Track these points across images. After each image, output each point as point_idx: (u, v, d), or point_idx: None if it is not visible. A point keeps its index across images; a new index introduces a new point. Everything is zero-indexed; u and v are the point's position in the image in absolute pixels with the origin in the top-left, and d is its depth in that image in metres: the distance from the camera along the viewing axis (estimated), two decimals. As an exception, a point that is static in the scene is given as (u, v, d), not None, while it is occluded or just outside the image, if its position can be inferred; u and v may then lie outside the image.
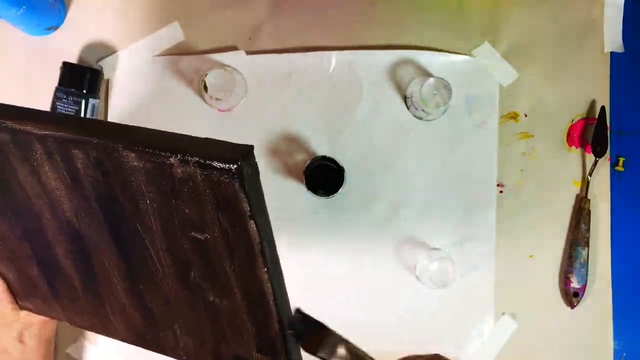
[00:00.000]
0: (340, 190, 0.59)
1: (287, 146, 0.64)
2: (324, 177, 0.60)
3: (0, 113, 0.39)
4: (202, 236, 0.36)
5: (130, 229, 0.39)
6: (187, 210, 0.35)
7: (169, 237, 0.38)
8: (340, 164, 0.59)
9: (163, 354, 0.47)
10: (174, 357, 0.47)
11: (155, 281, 0.42)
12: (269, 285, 0.37)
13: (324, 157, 0.61)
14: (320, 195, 0.60)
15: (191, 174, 0.33)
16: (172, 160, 0.33)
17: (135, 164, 0.34)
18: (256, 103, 0.64)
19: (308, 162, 0.60)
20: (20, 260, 0.48)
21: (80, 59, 0.66)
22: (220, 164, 0.31)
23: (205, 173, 0.32)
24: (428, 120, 0.64)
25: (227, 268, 0.37)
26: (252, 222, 0.33)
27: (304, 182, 0.59)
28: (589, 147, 0.64)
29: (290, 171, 0.64)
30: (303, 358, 0.43)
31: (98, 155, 0.36)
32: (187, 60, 0.64)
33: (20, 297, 0.52)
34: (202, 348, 0.45)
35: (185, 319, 0.43)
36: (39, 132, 0.37)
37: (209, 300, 0.40)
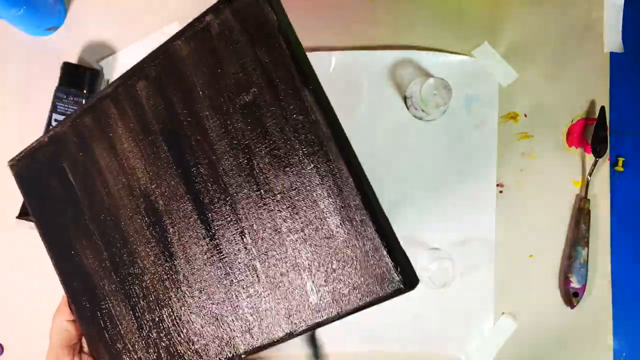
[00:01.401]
0: None
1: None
2: None
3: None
4: (250, 94, 0.38)
5: (194, 150, 0.40)
6: (231, 71, 0.38)
7: (224, 128, 0.39)
8: None
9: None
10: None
11: (228, 205, 0.40)
12: (322, 117, 0.37)
13: None
14: None
15: (224, 20, 0.38)
16: (208, 18, 0.38)
17: (184, 49, 0.39)
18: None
19: None
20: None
21: (81, 59, 0.66)
22: None
23: (233, 8, 0.37)
24: (428, 121, 0.64)
25: (280, 119, 0.37)
26: (282, 39, 0.37)
27: None
28: (589, 147, 0.64)
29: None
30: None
31: (156, 71, 0.41)
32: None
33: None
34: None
35: (259, 231, 0.40)
36: (109, 89, 0.43)
37: (278, 187, 0.38)
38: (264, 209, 0.39)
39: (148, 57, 0.41)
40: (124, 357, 0.46)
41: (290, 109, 0.37)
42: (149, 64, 0.41)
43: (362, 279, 0.38)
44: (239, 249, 0.40)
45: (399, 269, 0.37)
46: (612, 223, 0.64)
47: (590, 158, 0.65)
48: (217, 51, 0.39)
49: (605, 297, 0.64)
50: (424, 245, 0.63)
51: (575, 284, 0.63)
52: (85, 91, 0.63)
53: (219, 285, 0.42)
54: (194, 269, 0.42)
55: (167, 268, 0.43)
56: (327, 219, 0.38)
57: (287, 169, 0.38)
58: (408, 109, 0.64)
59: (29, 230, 0.62)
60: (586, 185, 0.64)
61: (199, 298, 0.42)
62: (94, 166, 0.45)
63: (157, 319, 0.44)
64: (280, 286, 0.40)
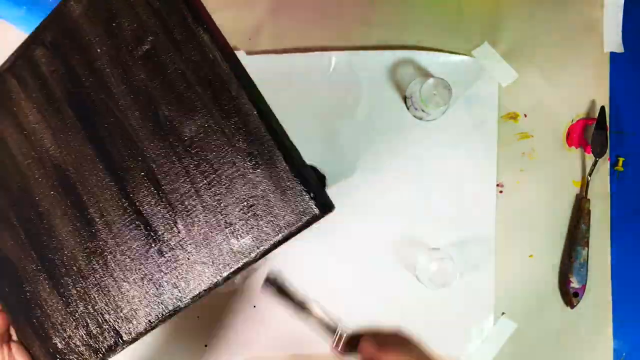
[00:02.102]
0: None
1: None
2: None
3: None
4: (147, 43, 0.38)
5: (99, 110, 0.40)
6: (126, 23, 0.38)
7: (126, 82, 0.39)
8: (321, 171, 0.60)
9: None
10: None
11: (139, 160, 0.40)
12: (224, 64, 0.37)
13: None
14: None
15: None
16: None
17: (77, 9, 0.39)
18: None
19: None
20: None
21: (81, 59, 0.66)
22: None
23: None
24: (428, 121, 0.64)
25: (179, 62, 0.37)
26: None
27: None
28: (589, 147, 0.64)
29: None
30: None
31: (52, 35, 0.41)
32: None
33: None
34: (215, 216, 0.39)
35: (178, 189, 0.40)
36: (7, 64, 0.43)
37: (187, 136, 0.38)
38: (175, 158, 0.39)
39: (43, 23, 0.41)
40: (53, 338, 0.45)
41: (188, 51, 0.37)
42: (45, 30, 0.41)
43: (279, 212, 0.37)
44: (155, 203, 0.40)
45: (311, 195, 0.37)
46: (612, 223, 0.64)
47: (590, 158, 0.65)
48: (110, 4, 0.38)
49: (605, 297, 0.64)
50: (424, 245, 0.63)
51: (575, 284, 0.63)
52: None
53: (140, 245, 0.41)
54: (114, 232, 0.42)
55: (86, 236, 0.43)
56: (238, 158, 0.37)
57: (192, 113, 0.38)
58: (408, 109, 0.64)
59: None
60: (586, 185, 0.64)
61: (123, 262, 0.42)
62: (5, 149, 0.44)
63: (82, 292, 0.43)
64: (200, 235, 0.39)
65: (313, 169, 0.60)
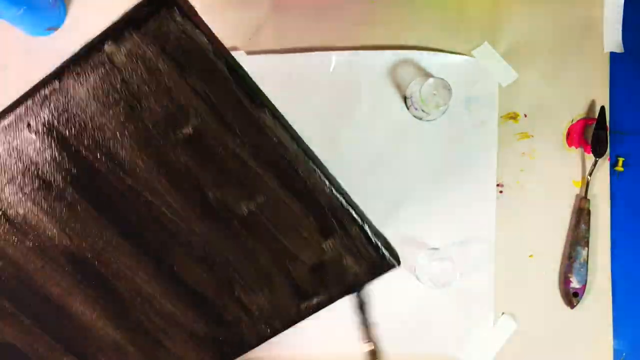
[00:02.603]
0: None
1: (287, 146, 0.64)
2: None
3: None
4: (189, 126, 0.34)
5: (124, 195, 0.36)
6: (157, 108, 0.33)
7: (163, 165, 0.35)
8: None
9: (243, 347, 0.40)
10: (255, 337, 0.40)
11: (182, 242, 0.37)
12: (284, 134, 0.34)
13: None
14: None
15: (132, 48, 0.31)
16: (106, 47, 0.32)
17: (81, 89, 0.33)
18: (256, 103, 0.64)
19: None
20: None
21: (81, 59, 0.66)
22: (146, 8, 0.30)
23: (142, 33, 0.31)
24: (428, 121, 0.64)
25: (233, 145, 0.34)
26: (215, 57, 0.31)
27: None
28: (589, 147, 0.64)
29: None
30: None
31: (47, 121, 0.34)
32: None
33: None
34: (274, 292, 0.39)
35: (237, 267, 0.37)
36: None
37: (244, 214, 0.36)
38: (230, 234, 0.37)
39: (32, 102, 0.34)
40: None
41: (245, 134, 0.34)
42: (36, 109, 0.34)
43: (350, 273, 0.41)
44: (207, 277, 0.38)
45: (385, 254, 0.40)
46: (612, 223, 0.64)
47: (590, 158, 0.65)
48: (128, 85, 0.33)
49: (605, 297, 0.64)
50: (424, 245, 0.63)
51: (575, 284, 0.63)
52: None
53: (194, 319, 0.39)
54: (162, 313, 0.39)
55: (119, 318, 0.39)
56: (308, 231, 0.37)
57: (251, 193, 0.35)
58: (408, 109, 0.64)
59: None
60: (586, 185, 0.64)
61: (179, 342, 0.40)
62: None
63: None
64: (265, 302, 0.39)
65: None
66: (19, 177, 0.36)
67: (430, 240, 0.64)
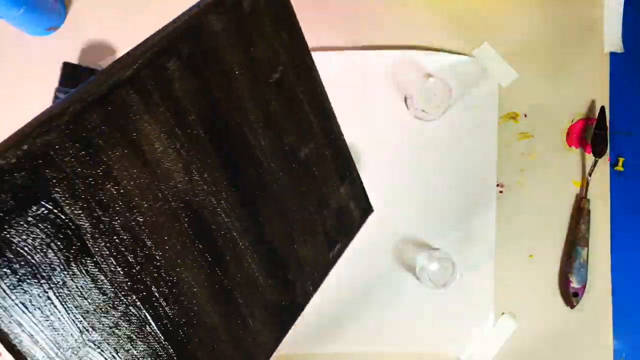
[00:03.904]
0: None
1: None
2: None
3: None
4: (278, 72, 0.39)
5: (234, 135, 0.37)
6: (262, 50, 0.38)
7: (260, 104, 0.38)
8: None
9: (297, 311, 0.42)
10: (303, 297, 0.42)
11: (266, 185, 0.39)
12: (327, 98, 0.41)
13: None
14: None
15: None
16: None
17: (217, 24, 0.35)
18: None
19: None
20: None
21: (81, 59, 0.66)
22: None
23: None
24: (428, 121, 0.64)
25: (299, 93, 0.40)
26: (293, 18, 0.39)
27: None
28: (589, 147, 0.64)
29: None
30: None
31: (189, 49, 0.34)
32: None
33: None
34: (315, 242, 0.43)
35: (296, 215, 0.40)
36: (125, 72, 0.31)
37: (302, 159, 0.40)
38: (293, 178, 0.41)
39: (175, 32, 0.33)
40: None
41: (306, 83, 0.40)
42: (179, 40, 0.33)
43: (354, 217, 0.50)
44: (278, 225, 0.41)
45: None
46: (612, 223, 0.64)
47: (590, 158, 0.65)
48: (248, 29, 0.37)
49: (605, 297, 0.64)
50: (424, 245, 0.63)
51: (575, 284, 0.63)
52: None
53: (263, 270, 0.40)
54: (243, 267, 0.39)
55: (215, 275, 0.37)
56: (334, 177, 0.44)
57: (306, 139, 0.41)
58: (408, 109, 0.64)
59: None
60: (586, 185, 0.64)
61: (249, 295, 0.40)
62: (110, 185, 0.31)
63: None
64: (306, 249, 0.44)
65: None
66: (163, 108, 0.34)
67: (430, 240, 0.64)
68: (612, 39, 0.65)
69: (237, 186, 0.37)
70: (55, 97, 0.63)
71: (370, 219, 0.64)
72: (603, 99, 0.65)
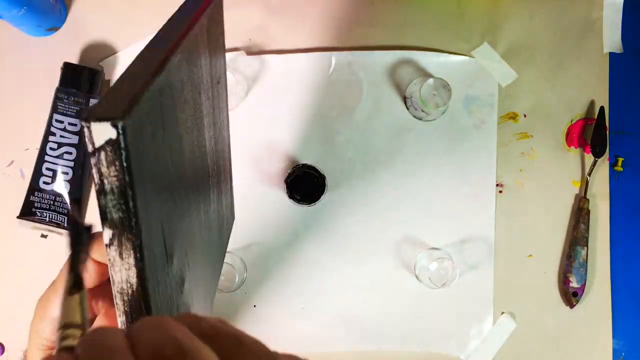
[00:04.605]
0: (322, 198, 0.60)
1: (287, 146, 0.64)
2: (307, 185, 0.60)
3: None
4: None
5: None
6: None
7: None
8: (321, 172, 0.60)
9: None
10: None
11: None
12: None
13: (304, 166, 0.60)
14: (302, 204, 0.60)
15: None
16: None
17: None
18: (256, 103, 0.64)
19: (289, 171, 0.60)
20: None
21: (81, 59, 0.66)
22: None
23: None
24: (427, 121, 0.64)
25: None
26: None
27: (285, 191, 0.59)
28: (588, 147, 0.65)
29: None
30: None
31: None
32: (187, 60, 0.64)
33: None
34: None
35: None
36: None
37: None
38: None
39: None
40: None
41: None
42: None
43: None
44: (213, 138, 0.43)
45: None
46: (611, 223, 0.65)
47: (589, 158, 0.65)
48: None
49: (604, 297, 0.64)
50: (424, 245, 0.64)
51: (574, 283, 0.63)
52: (86, 92, 0.63)
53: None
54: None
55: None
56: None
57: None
58: (408, 109, 0.64)
59: (30, 230, 0.63)
60: (585, 185, 0.64)
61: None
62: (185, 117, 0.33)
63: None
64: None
65: (313, 168, 0.60)
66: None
67: (430, 240, 0.64)
68: (612, 39, 0.65)
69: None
70: (56, 97, 0.63)
71: (371, 220, 0.64)
72: (602, 99, 0.65)
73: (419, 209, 0.64)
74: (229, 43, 0.66)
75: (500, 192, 0.65)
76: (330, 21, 0.65)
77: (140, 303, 0.26)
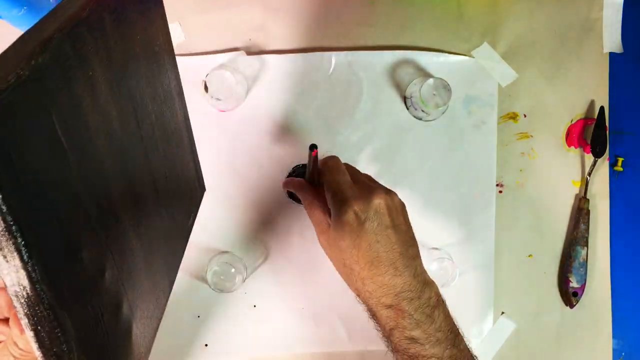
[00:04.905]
0: None
1: (287, 146, 0.64)
2: None
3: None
4: None
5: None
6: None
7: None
8: None
9: None
10: None
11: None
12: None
13: (304, 166, 0.60)
14: (301, 204, 0.60)
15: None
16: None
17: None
18: (256, 103, 0.64)
19: (289, 171, 0.60)
20: None
21: (81, 59, 0.66)
22: None
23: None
24: (427, 121, 0.64)
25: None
26: None
27: (285, 191, 0.59)
28: (588, 147, 0.65)
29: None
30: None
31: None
32: (187, 60, 0.64)
33: None
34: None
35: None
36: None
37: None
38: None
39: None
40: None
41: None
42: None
43: None
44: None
45: None
46: (611, 223, 0.65)
47: (589, 158, 0.65)
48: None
49: (604, 297, 0.64)
50: (424, 245, 0.63)
51: (574, 283, 0.63)
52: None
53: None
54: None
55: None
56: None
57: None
58: (408, 109, 0.64)
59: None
60: (585, 185, 0.64)
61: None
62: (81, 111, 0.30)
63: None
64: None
65: None
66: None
67: (430, 240, 0.64)
68: (612, 39, 0.65)
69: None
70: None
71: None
72: (602, 99, 0.65)
73: (418, 209, 0.64)
74: (229, 43, 0.66)
75: (500, 192, 0.65)
76: (330, 21, 0.65)
77: (38, 303, 0.24)
